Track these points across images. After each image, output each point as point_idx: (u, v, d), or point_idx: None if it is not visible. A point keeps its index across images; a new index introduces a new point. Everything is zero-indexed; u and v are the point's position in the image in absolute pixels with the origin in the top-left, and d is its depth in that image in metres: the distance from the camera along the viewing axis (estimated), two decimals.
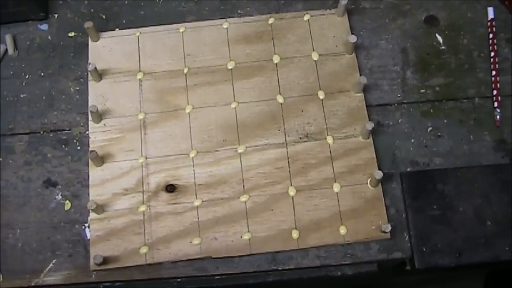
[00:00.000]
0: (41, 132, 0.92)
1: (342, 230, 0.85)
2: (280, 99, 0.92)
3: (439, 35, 0.98)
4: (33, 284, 0.83)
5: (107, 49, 0.96)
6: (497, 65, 0.95)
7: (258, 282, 0.85)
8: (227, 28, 0.97)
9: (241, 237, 0.85)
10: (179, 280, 0.84)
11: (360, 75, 0.93)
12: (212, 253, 0.84)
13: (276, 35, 0.96)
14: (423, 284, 1.24)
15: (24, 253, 0.85)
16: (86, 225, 0.86)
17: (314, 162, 0.88)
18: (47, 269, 0.84)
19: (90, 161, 0.88)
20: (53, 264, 0.84)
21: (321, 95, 0.92)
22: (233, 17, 0.98)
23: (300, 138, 0.90)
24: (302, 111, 0.91)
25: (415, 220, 0.86)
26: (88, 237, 0.85)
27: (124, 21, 0.99)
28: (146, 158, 0.89)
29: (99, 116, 0.90)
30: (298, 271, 0.85)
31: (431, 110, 0.93)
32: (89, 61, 0.95)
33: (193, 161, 0.89)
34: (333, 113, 0.91)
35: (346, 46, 0.95)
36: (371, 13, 0.99)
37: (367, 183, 0.87)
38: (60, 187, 0.88)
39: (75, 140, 0.91)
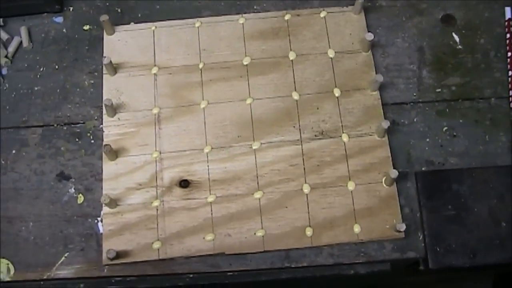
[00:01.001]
0: (55, 125, 0.91)
1: (356, 228, 0.84)
2: (295, 96, 0.91)
3: (456, 34, 0.97)
4: (45, 277, 0.83)
5: (122, 42, 0.95)
6: None
7: (271, 279, 0.85)
8: (243, 23, 0.96)
9: (255, 234, 0.84)
10: (191, 276, 0.84)
11: (376, 73, 0.93)
12: (225, 250, 0.84)
13: (292, 32, 0.96)
14: (430, 284, 1.23)
15: (36, 246, 0.85)
16: (99, 219, 0.86)
17: (329, 159, 0.88)
18: (59, 262, 0.84)
19: (103, 155, 0.88)
20: (65, 257, 0.84)
21: (336, 92, 0.92)
22: (249, 12, 0.98)
23: (315, 135, 0.89)
24: (318, 108, 0.91)
25: (429, 220, 0.86)
26: (101, 231, 0.85)
27: (139, 15, 0.98)
28: (160, 153, 0.88)
29: (114, 110, 0.90)
30: (311, 269, 0.85)
31: (447, 110, 0.93)
32: (104, 54, 0.94)
33: (207, 156, 0.88)
34: (348, 111, 0.91)
35: (362, 44, 0.94)
36: (388, 11, 0.99)
37: (382, 182, 0.87)
38: (73, 180, 0.88)
39: (89, 134, 0.91)
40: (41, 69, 0.95)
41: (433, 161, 0.90)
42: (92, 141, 0.90)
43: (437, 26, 0.98)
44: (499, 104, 0.93)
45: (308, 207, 0.85)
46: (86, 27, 0.98)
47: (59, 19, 0.98)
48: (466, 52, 0.96)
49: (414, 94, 0.93)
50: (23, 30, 0.96)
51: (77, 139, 0.90)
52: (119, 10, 0.99)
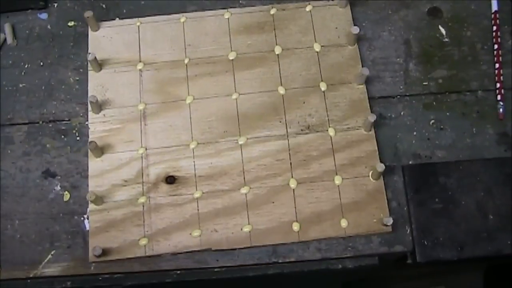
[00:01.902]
0: (40, 122, 0.91)
1: (343, 223, 0.84)
2: (281, 90, 0.91)
3: (442, 27, 0.97)
4: (31, 275, 0.83)
5: (107, 38, 0.95)
6: (500, 58, 0.94)
7: (258, 274, 0.84)
8: (228, 18, 0.96)
9: (242, 229, 0.84)
10: (178, 272, 0.84)
11: (363, 66, 0.92)
12: (212, 245, 0.83)
13: (278, 26, 0.95)
14: (422, 277, 1.23)
15: (22, 244, 0.84)
16: (85, 216, 0.85)
17: (315, 154, 0.88)
18: (45, 260, 0.84)
19: (89, 152, 0.87)
20: (51, 255, 0.84)
21: (323, 86, 0.91)
22: (235, 7, 0.97)
23: (302, 130, 0.89)
24: (304, 102, 0.91)
25: (416, 213, 0.85)
26: (87, 228, 0.85)
27: (124, 11, 0.98)
28: (146, 149, 0.88)
29: (99, 106, 0.89)
30: (299, 264, 0.84)
31: (434, 103, 0.92)
32: (89, 50, 0.94)
33: (193, 152, 0.88)
34: (335, 105, 0.90)
35: (348, 38, 0.94)
36: (374, 4, 0.98)
37: (368, 175, 0.87)
38: (59, 178, 0.88)
39: (75, 131, 0.90)
40: (26, 66, 0.94)
41: (420, 154, 0.89)
42: (78, 138, 0.90)
43: (423, 19, 0.98)
44: (486, 97, 0.93)
45: (295, 202, 0.85)
46: (71, 24, 0.97)
47: (44, 16, 0.98)
48: (453, 44, 0.96)
49: (401, 87, 0.93)
50: (7, 27, 0.96)
51: (62, 136, 0.90)
52: (103, 6, 0.98)
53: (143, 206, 0.85)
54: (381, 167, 0.84)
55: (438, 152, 0.89)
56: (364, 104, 0.91)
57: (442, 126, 0.91)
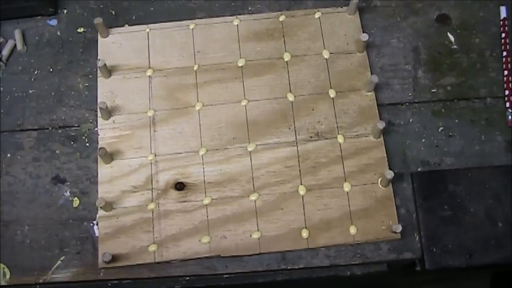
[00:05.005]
0: (50, 128, 0.91)
1: (352, 230, 0.84)
2: (290, 97, 0.91)
3: (451, 34, 0.97)
4: (41, 281, 0.83)
5: (117, 45, 0.95)
6: (509, 65, 0.94)
7: (267, 281, 0.85)
8: (237, 25, 0.96)
9: (251, 236, 0.84)
10: (187, 278, 0.84)
11: (371, 73, 0.92)
12: (221, 252, 0.83)
13: (286, 33, 0.96)
14: (428, 284, 1.23)
15: (32, 250, 0.84)
16: (95, 222, 0.86)
17: (324, 161, 0.88)
18: (55, 266, 0.84)
19: (99, 158, 0.87)
20: (61, 261, 0.84)
21: (332, 93, 0.92)
22: (244, 14, 0.98)
23: (311, 136, 0.89)
24: (313, 109, 0.91)
25: (425, 221, 0.85)
26: (97, 234, 0.85)
27: (133, 17, 0.98)
28: (156, 155, 0.88)
29: (108, 112, 0.90)
30: (308, 271, 0.85)
31: (443, 110, 0.92)
32: (99, 57, 0.94)
33: (202, 159, 0.88)
34: (344, 112, 0.91)
35: (357, 45, 0.94)
36: (383, 11, 0.99)
37: (377, 182, 0.87)
38: (68, 183, 0.88)
39: (84, 137, 0.91)
40: (36, 72, 0.94)
41: (429, 161, 0.89)
42: (87, 144, 0.90)
43: (432, 26, 0.98)
44: (495, 104, 0.93)
45: (304, 209, 0.85)
46: (80, 30, 0.97)
47: (53, 22, 0.98)
48: (462, 51, 0.96)
49: (410, 94, 0.93)
50: (17, 33, 0.96)
51: (72, 142, 0.90)
52: (113, 12, 0.99)
53: (153, 212, 0.85)
54: (390, 174, 0.84)
55: (447, 159, 0.90)
56: (373, 111, 0.91)
57: (451, 133, 0.91)
